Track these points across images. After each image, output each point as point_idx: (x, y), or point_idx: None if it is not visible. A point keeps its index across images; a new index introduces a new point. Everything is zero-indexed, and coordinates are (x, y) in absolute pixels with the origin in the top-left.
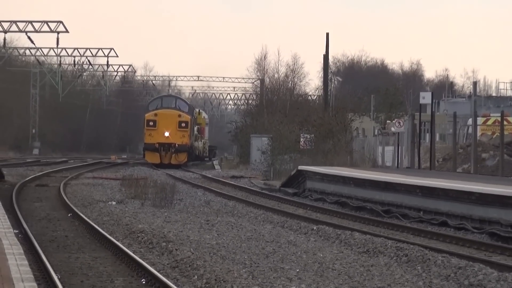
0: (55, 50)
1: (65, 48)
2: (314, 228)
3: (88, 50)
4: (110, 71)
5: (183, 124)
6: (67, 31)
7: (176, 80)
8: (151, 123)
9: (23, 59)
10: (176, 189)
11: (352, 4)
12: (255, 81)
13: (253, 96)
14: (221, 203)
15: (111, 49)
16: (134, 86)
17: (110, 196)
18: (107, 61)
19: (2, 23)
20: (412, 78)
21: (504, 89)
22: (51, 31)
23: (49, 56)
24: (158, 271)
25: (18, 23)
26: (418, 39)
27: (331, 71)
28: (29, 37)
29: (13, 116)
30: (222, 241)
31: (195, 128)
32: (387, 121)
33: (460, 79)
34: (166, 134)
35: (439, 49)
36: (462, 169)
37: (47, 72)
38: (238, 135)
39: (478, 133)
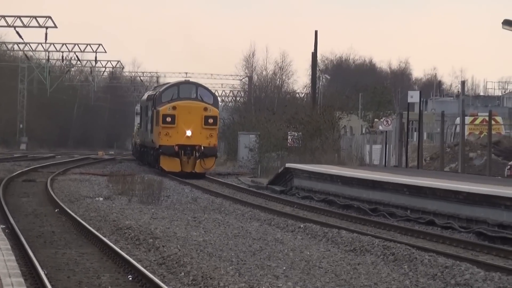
0: (44, 45)
1: (53, 43)
2: (301, 226)
3: (76, 45)
4: (98, 67)
5: (211, 120)
6: (55, 27)
7: (164, 76)
8: (168, 119)
9: (11, 54)
10: (163, 186)
11: (340, 2)
12: (243, 78)
13: (241, 93)
14: (208, 200)
15: (99, 44)
16: (122, 82)
17: (97, 192)
18: (95, 57)
19: None
20: (400, 77)
21: (492, 88)
22: (40, 26)
23: (38, 51)
24: (145, 268)
25: (6, 17)
26: (406, 38)
27: (319, 69)
28: (17, 32)
29: (1, 111)
30: (209, 238)
31: None
32: (375, 120)
33: (448, 78)
34: (188, 133)
35: (427, 48)
36: (449, 168)
37: (35, 67)
38: (225, 132)
39: (466, 133)
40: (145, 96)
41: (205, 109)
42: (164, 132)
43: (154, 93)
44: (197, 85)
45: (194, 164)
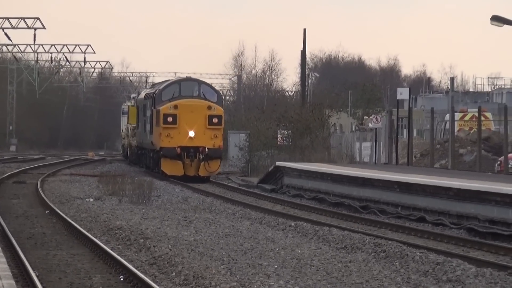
0: (32, 46)
1: (42, 45)
2: (292, 224)
3: (65, 46)
4: (87, 68)
5: (215, 120)
6: (44, 28)
7: (154, 76)
8: (169, 119)
9: (0, 55)
10: (153, 186)
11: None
12: (232, 77)
13: (230, 92)
14: (198, 199)
15: (88, 45)
16: (111, 83)
17: (87, 193)
18: (84, 58)
19: None
20: (389, 74)
21: (481, 84)
22: (28, 28)
23: (26, 52)
24: (136, 268)
25: None
26: (395, 35)
27: (308, 67)
28: (6, 34)
29: None
30: (200, 237)
31: None
32: (365, 117)
33: (437, 74)
34: (191, 134)
35: (416, 45)
36: (439, 165)
37: (24, 68)
38: None
39: (456, 129)
40: (143, 95)
41: (209, 107)
42: (165, 133)
43: (153, 91)
44: (200, 82)
45: (197, 167)
